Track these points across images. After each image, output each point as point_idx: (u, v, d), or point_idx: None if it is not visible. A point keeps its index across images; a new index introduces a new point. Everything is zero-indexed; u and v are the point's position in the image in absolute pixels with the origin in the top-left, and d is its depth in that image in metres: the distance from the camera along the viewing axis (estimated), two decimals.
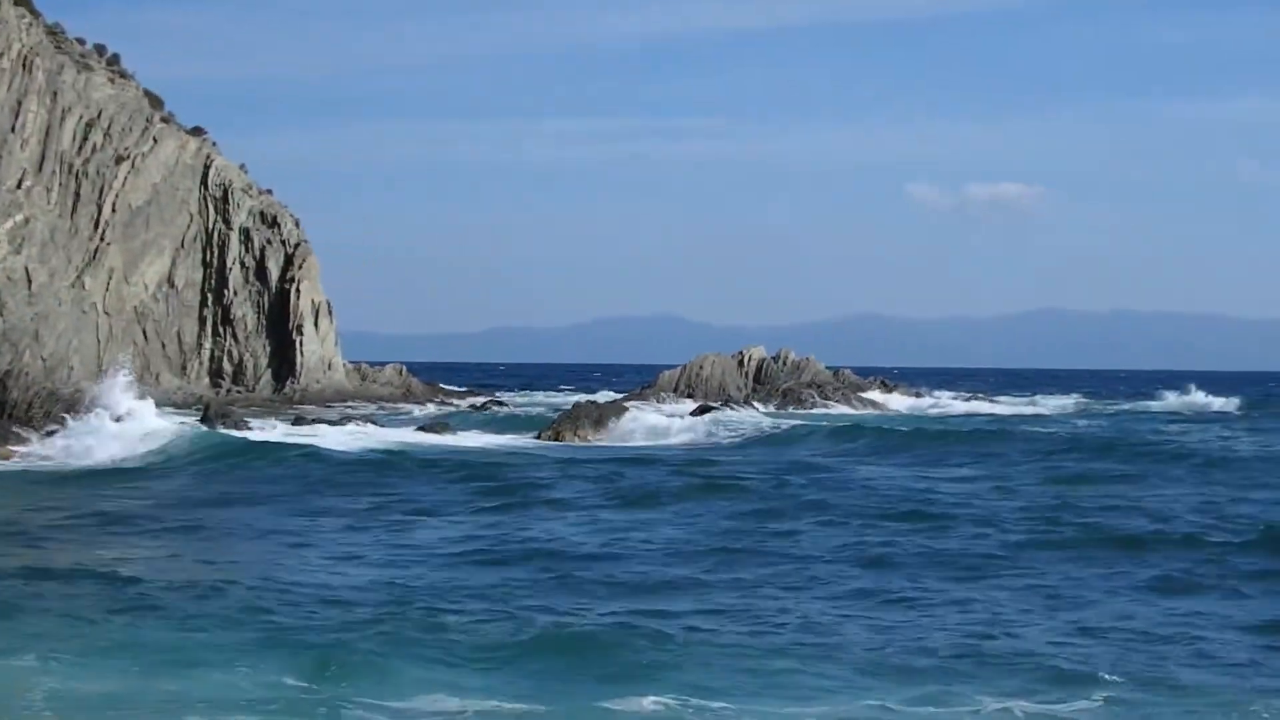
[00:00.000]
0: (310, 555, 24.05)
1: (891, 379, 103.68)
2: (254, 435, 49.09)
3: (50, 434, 45.92)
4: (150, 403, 50.39)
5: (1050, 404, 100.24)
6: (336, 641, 16.44)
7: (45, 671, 14.79)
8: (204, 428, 49.40)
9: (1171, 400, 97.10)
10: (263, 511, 30.37)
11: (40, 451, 43.89)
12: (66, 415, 48.42)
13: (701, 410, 66.52)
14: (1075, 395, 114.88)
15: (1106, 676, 15.49)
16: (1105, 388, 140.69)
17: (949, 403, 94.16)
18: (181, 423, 49.39)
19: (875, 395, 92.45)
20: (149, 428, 46.78)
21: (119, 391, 49.56)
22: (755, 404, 76.39)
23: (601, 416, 58.96)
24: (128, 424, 46.86)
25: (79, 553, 23.63)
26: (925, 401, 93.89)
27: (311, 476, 37.32)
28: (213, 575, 21.27)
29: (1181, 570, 22.24)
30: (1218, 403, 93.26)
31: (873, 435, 53.49)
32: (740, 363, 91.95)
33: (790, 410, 77.99)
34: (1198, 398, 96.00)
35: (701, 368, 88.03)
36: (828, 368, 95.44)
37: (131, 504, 31.31)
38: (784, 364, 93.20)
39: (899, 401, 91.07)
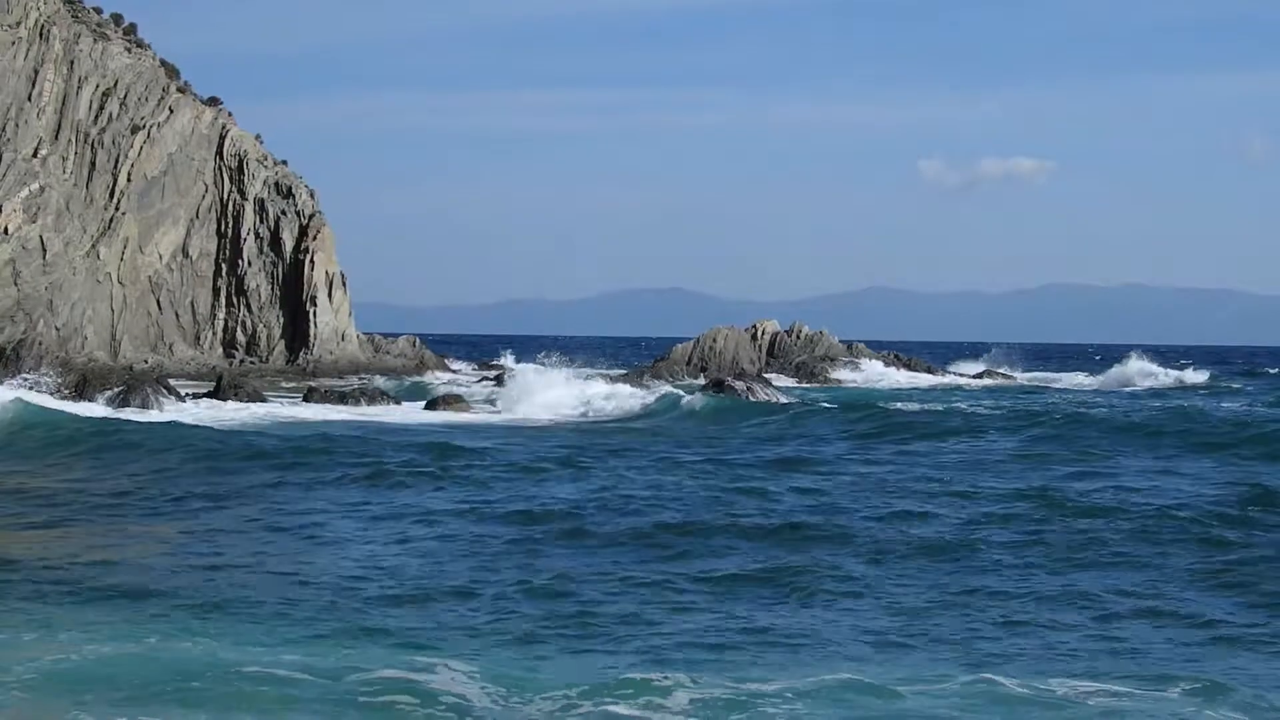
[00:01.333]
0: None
1: (904, 353, 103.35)
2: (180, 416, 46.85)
3: None
4: None
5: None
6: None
7: None
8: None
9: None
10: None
11: None
12: None
13: (714, 384, 66.35)
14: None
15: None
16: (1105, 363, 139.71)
17: (959, 378, 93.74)
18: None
19: (891, 370, 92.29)
20: None
21: None
22: (769, 377, 76.20)
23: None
24: None
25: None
26: (940, 378, 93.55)
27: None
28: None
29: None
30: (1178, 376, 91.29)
31: (868, 412, 52.75)
32: (754, 336, 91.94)
33: (804, 385, 77.89)
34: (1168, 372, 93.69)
35: (715, 341, 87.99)
36: (841, 341, 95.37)
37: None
38: (797, 338, 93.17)
39: (914, 378, 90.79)
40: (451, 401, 55.26)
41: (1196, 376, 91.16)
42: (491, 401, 56.50)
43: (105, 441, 37.62)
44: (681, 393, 56.37)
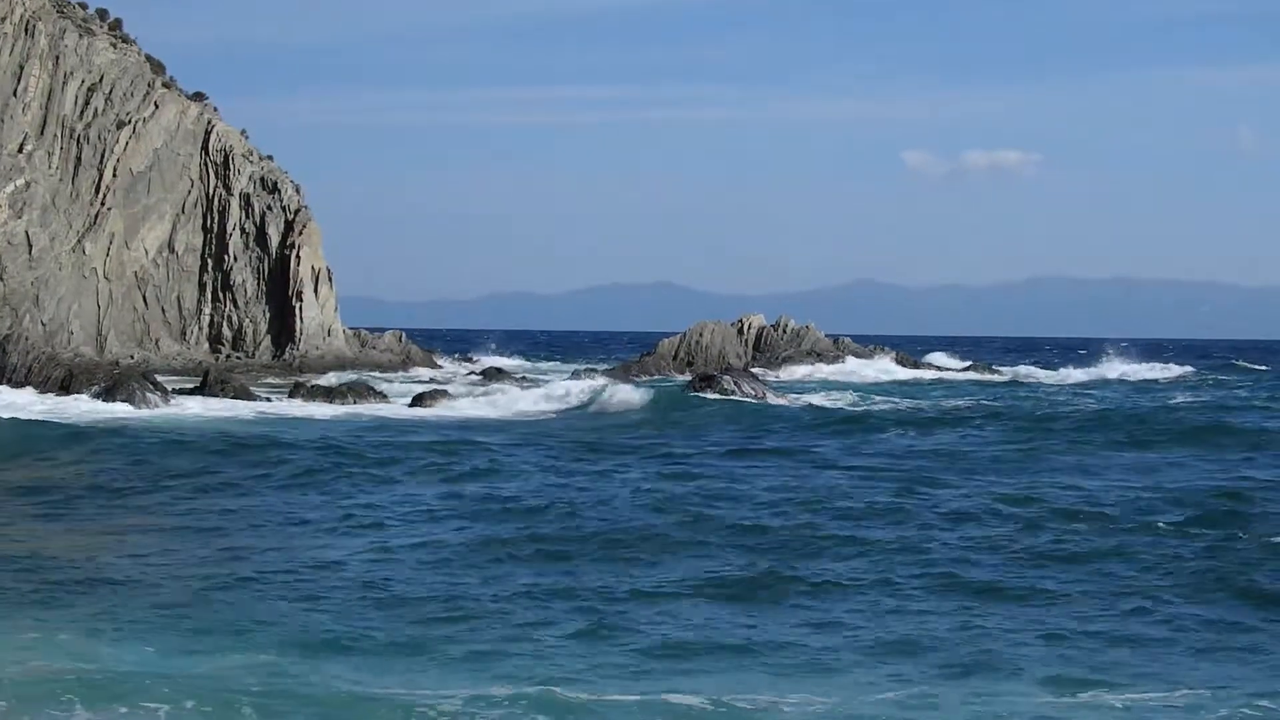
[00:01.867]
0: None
1: (890, 347, 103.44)
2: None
3: None
4: None
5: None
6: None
7: None
8: None
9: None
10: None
11: None
12: None
13: (702, 379, 66.38)
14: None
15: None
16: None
17: (941, 372, 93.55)
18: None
19: (875, 364, 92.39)
20: None
21: None
22: (755, 371, 76.28)
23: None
24: None
25: None
26: (923, 372, 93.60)
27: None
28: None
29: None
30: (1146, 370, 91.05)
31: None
32: (740, 331, 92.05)
33: (790, 379, 78.05)
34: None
35: (701, 336, 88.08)
36: (827, 336, 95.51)
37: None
38: (784, 332, 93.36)
39: (897, 371, 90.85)
40: (437, 398, 55.52)
41: (1177, 370, 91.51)
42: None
43: (89, 435, 37.75)
44: (632, 392, 55.88)
